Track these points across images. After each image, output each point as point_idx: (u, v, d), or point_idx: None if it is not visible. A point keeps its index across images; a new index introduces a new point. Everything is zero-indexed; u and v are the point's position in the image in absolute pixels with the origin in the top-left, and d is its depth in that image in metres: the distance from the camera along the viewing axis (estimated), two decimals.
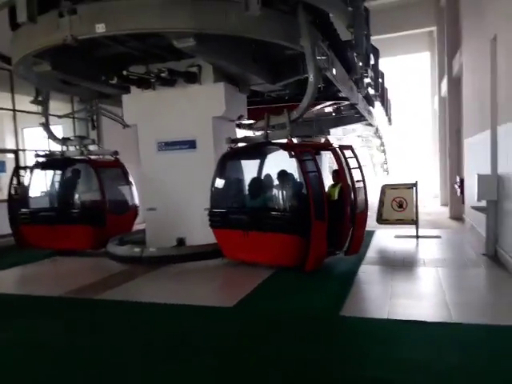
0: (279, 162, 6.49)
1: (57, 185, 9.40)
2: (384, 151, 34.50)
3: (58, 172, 9.38)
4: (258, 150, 7.02)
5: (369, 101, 13.69)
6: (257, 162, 7.22)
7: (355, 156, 6.59)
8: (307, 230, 5.75)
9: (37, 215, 8.52)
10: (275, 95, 10.63)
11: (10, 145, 10.82)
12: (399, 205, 8.56)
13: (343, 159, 6.42)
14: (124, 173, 9.37)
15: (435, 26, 16.28)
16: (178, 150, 8.03)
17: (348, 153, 6.56)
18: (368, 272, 6.26)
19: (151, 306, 5.09)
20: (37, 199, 9.03)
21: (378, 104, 15.55)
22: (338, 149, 6.50)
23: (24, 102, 9.46)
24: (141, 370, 3.43)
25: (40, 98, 8.91)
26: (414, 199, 8.54)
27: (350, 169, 6.48)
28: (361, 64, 8.74)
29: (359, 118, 14.90)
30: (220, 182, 7.01)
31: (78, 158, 8.85)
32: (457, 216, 12.03)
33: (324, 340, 3.91)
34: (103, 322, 4.68)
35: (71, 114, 11.16)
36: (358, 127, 20.19)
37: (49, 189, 9.47)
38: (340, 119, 14.78)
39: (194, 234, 7.78)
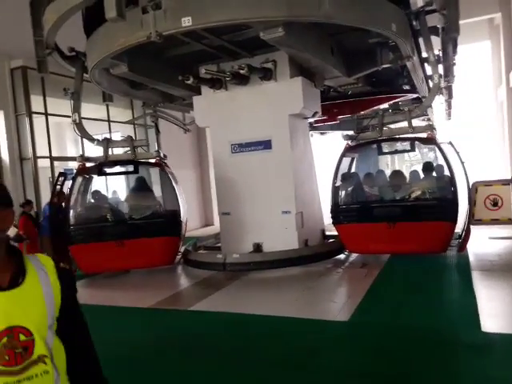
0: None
1: (118, 192, 8.40)
2: None
3: (119, 177, 8.44)
4: (386, 144, 7.18)
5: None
6: (384, 156, 7.60)
7: (457, 152, 6.58)
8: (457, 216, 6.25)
9: (97, 230, 6.91)
10: (342, 90, 10.05)
11: (73, 153, 10.82)
12: (494, 203, 7.77)
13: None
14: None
15: (499, 13, 15.22)
16: (252, 151, 7.63)
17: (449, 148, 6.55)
18: (484, 279, 5.60)
19: (257, 318, 4.63)
20: (88, 211, 7.68)
21: (438, 97, 14.67)
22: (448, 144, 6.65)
23: (86, 109, 8.87)
24: None
25: (71, 91, 7.45)
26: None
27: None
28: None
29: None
30: (345, 177, 7.03)
31: (148, 161, 7.81)
32: None
33: (476, 364, 3.33)
34: (212, 335, 4.28)
35: (133, 119, 11.02)
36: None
37: (108, 197, 8.12)
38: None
39: (272, 238, 7.35)
